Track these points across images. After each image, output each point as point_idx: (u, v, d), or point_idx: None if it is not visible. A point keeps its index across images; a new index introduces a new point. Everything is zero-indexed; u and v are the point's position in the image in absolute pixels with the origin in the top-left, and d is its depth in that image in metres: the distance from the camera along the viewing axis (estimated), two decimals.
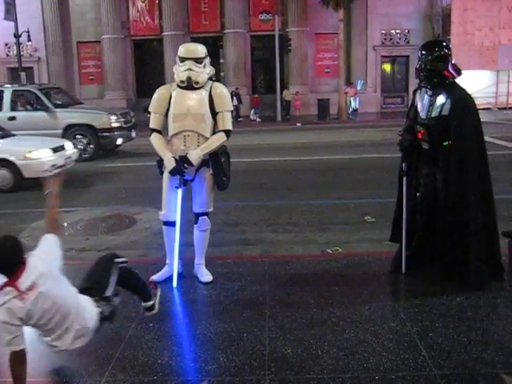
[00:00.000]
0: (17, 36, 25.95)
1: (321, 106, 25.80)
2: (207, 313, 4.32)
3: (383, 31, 29.37)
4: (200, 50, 4.65)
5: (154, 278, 4.81)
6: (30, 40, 27.68)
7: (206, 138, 4.63)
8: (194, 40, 29.28)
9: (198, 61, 4.56)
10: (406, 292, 4.68)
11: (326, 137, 18.26)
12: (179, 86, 4.65)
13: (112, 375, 3.39)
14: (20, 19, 25.73)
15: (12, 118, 14.04)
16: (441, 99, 4.43)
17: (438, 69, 4.40)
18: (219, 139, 4.64)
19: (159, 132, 4.74)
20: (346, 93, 26.19)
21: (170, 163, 4.56)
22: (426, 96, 4.55)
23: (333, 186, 9.78)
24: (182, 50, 4.63)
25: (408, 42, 29.07)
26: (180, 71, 4.58)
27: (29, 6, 28.01)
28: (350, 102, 26.79)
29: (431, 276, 4.69)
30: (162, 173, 4.82)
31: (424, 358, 3.45)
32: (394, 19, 28.75)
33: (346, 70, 26.80)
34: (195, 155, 4.54)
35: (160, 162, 4.78)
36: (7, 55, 30.59)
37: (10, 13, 25.45)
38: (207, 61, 4.66)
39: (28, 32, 26.78)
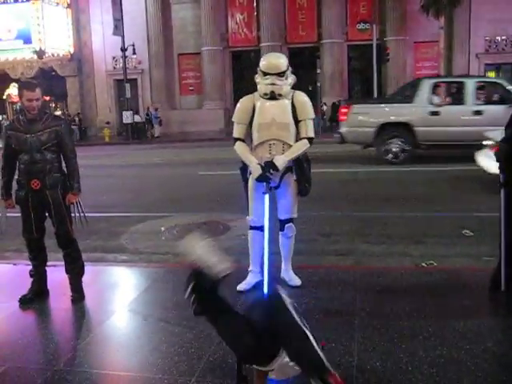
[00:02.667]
0: (123, 50, 27.60)
1: None
2: None
3: (487, 38, 28.16)
4: (282, 63, 4.64)
5: (243, 286, 4.89)
6: (134, 53, 29.28)
7: (290, 146, 4.67)
8: (291, 51, 29.65)
9: (281, 75, 4.59)
10: (505, 311, 4.43)
11: None
12: (262, 97, 4.71)
13: (202, 375, 3.49)
14: (126, 34, 27.34)
15: (477, 113, 13.33)
16: None
17: None
18: (303, 146, 4.69)
19: (243, 141, 4.80)
20: None
21: (256, 170, 4.61)
22: None
23: (429, 198, 9.48)
24: (265, 65, 4.62)
25: None
26: (263, 84, 4.63)
27: (134, 21, 29.63)
28: None
29: None
30: (245, 180, 4.89)
31: None
32: (499, 25, 27.47)
33: None
34: (280, 160, 4.58)
35: (243, 170, 4.88)
36: (114, 68, 32.49)
37: (118, 28, 27.15)
38: (289, 72, 4.67)
39: (133, 46, 28.38)
